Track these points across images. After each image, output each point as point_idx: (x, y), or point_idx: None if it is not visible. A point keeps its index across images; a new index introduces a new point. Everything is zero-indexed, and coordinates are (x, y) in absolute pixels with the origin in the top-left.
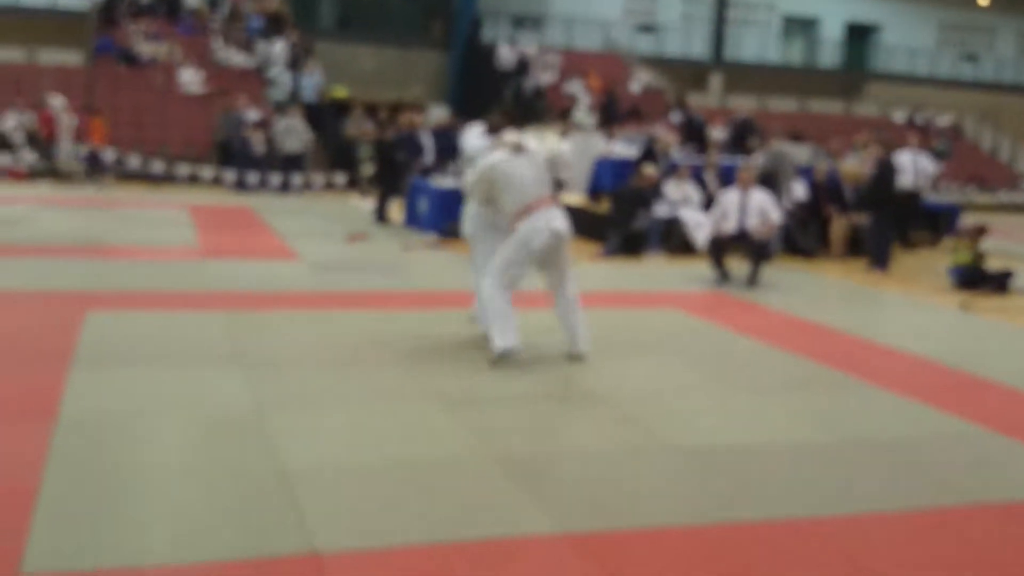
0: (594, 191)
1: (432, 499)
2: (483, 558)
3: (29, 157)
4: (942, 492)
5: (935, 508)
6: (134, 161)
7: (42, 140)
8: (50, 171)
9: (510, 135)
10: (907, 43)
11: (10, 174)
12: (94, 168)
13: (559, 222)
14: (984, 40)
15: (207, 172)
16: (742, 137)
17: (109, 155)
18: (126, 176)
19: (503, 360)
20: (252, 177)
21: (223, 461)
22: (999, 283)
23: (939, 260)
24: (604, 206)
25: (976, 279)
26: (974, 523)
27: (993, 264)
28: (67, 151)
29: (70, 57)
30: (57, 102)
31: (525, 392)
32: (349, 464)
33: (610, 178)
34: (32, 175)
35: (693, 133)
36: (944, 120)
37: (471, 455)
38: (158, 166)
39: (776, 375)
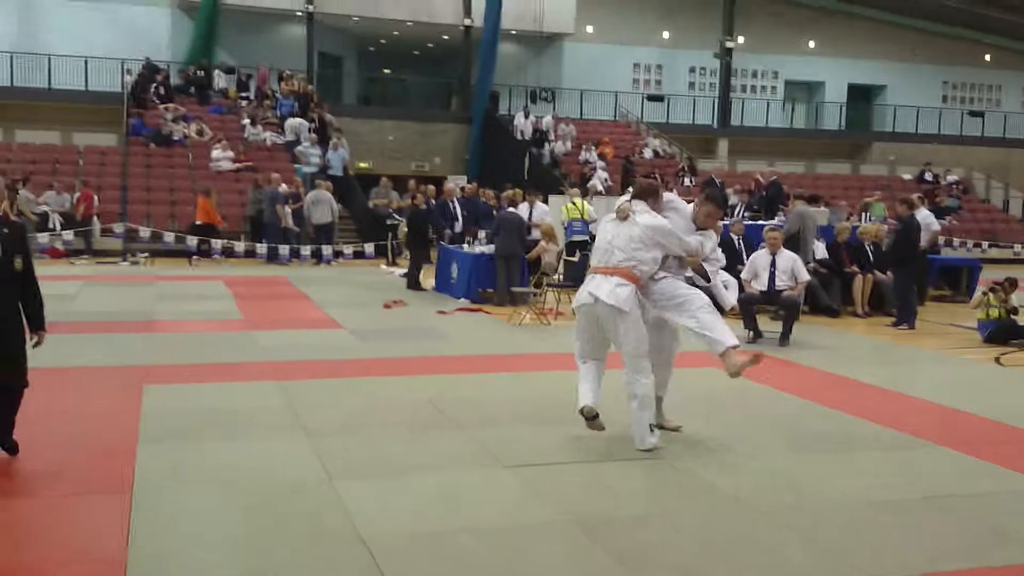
0: None
1: (513, 566)
2: None
3: (67, 236)
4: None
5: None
6: (168, 237)
7: (78, 219)
8: (88, 249)
9: (623, 201)
10: (911, 101)
11: (50, 253)
12: (131, 245)
13: (602, 290)
14: (989, 96)
15: (240, 246)
16: (772, 200)
17: (145, 232)
18: (160, 253)
19: (582, 416)
20: (284, 249)
21: (302, 530)
22: None
23: (962, 315)
24: None
25: (1008, 333)
26: None
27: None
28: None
29: (104, 139)
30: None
31: (589, 453)
32: (426, 530)
33: None
34: (69, 253)
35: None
36: (952, 176)
37: (547, 518)
38: (192, 241)
39: (830, 433)
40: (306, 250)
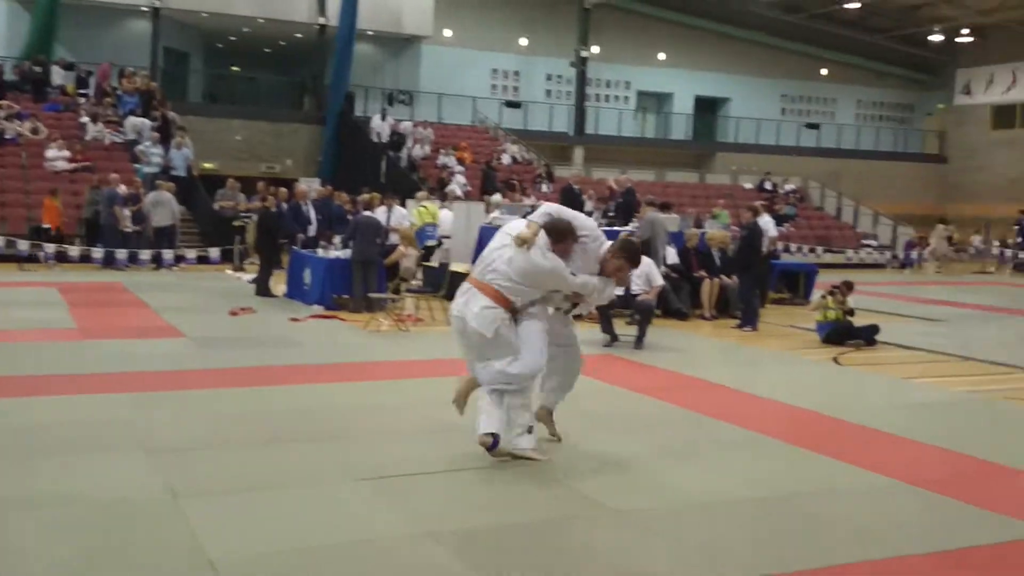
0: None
1: None
2: None
3: None
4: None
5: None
6: None
7: None
8: None
9: (529, 224)
10: (753, 114)
11: None
12: None
13: (470, 308)
14: (824, 108)
15: (75, 250)
16: (626, 207)
17: None
18: None
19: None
20: (122, 253)
21: (144, 554)
22: (868, 337)
23: (800, 317)
24: None
25: (844, 334)
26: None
27: (856, 319)
28: None
29: None
30: None
31: (446, 463)
32: (278, 548)
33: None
34: None
35: (574, 204)
36: (790, 185)
37: (404, 531)
38: (23, 245)
39: (684, 434)
40: (145, 254)
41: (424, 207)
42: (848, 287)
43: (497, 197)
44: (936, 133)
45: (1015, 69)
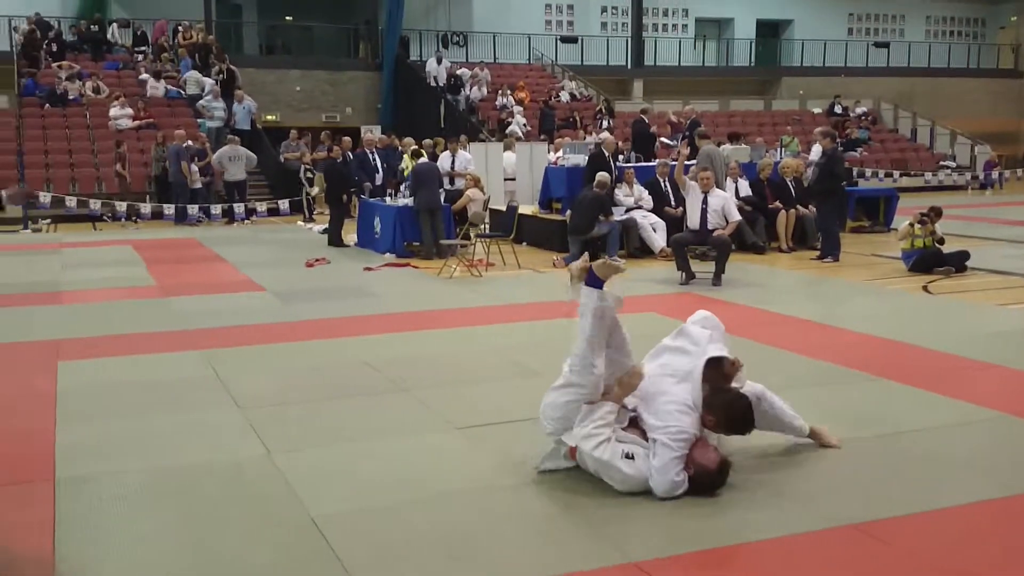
0: (546, 200)
1: (478, 534)
2: None
3: None
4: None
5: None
6: (70, 202)
7: None
8: None
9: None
10: (818, 35)
11: None
12: (31, 212)
13: None
14: (893, 26)
15: (146, 208)
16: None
17: (46, 198)
18: (63, 218)
19: None
20: (193, 209)
21: (244, 513)
22: (958, 264)
23: (883, 246)
24: (558, 214)
25: (932, 261)
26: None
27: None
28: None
29: None
30: None
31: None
32: (379, 504)
33: (562, 186)
34: None
35: (646, 140)
36: (861, 108)
37: (509, 480)
38: (95, 205)
39: (781, 372)
40: (217, 209)
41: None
42: (937, 213)
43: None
44: (1010, 47)
45: None
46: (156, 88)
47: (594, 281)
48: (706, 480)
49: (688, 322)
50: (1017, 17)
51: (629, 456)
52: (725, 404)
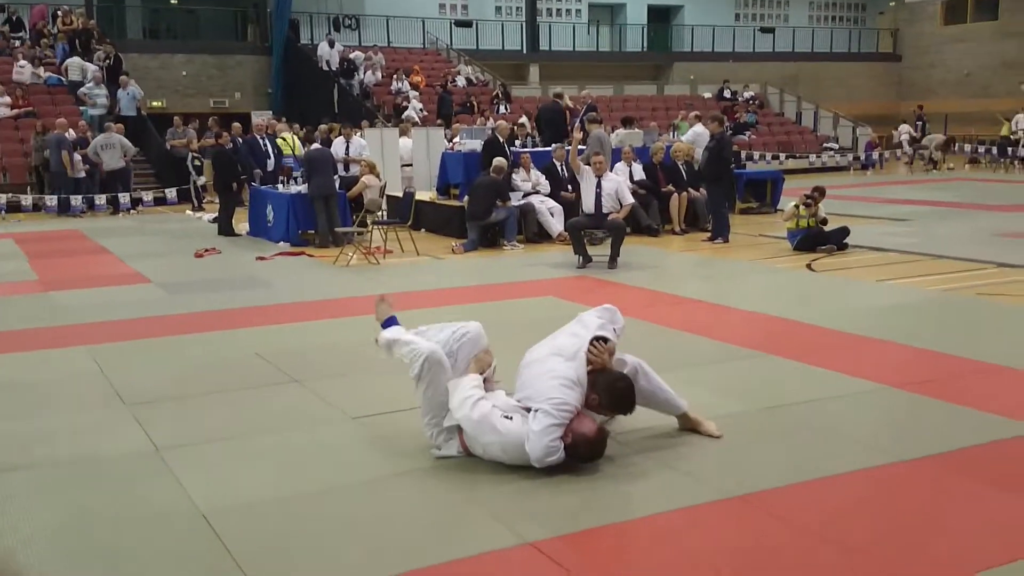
0: (443, 185)
1: (371, 522)
2: None
3: None
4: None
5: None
6: None
7: None
8: None
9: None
10: (707, 21)
11: None
12: None
13: None
14: (779, 12)
15: (27, 199)
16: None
17: None
18: None
19: None
20: (76, 200)
21: (134, 512)
22: (838, 241)
23: (770, 226)
24: (455, 200)
25: (815, 240)
26: (908, 480)
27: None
28: None
29: None
30: None
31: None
32: (271, 496)
33: (459, 171)
34: None
35: (558, 123)
36: (749, 92)
37: (402, 468)
38: None
39: (676, 351)
40: (101, 199)
41: (283, 139)
42: (821, 193)
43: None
44: (889, 31)
45: None
46: (33, 75)
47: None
48: (585, 449)
49: (588, 312)
50: (895, 2)
51: (508, 417)
52: (608, 383)
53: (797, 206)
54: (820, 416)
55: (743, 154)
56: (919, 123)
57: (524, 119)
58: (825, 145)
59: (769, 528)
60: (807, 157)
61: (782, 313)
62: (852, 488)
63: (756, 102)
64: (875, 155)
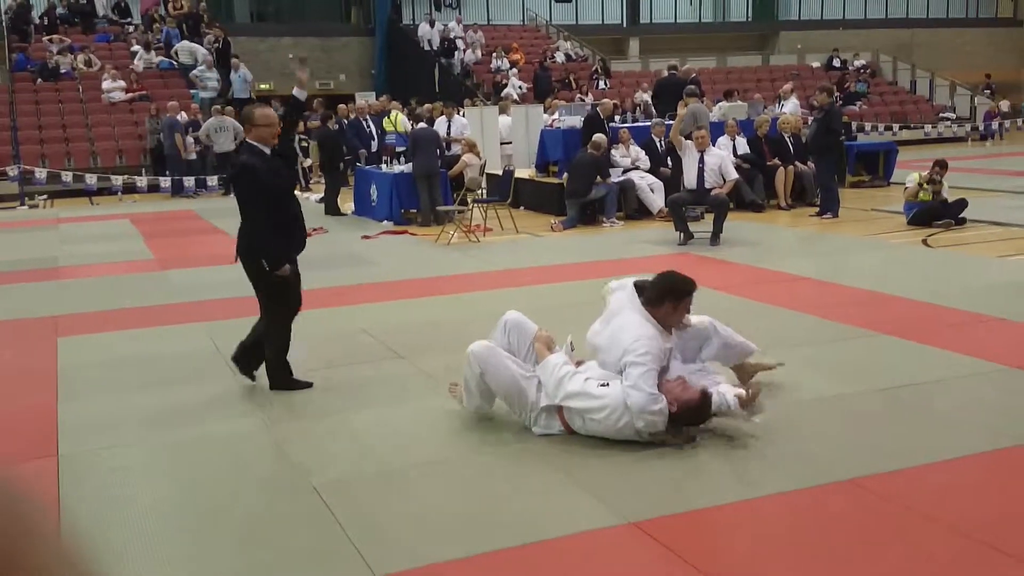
0: (542, 163)
1: (467, 504)
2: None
3: None
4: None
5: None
6: (66, 176)
7: None
8: None
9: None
10: None
11: None
12: (27, 188)
13: None
14: None
15: (142, 181)
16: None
17: (41, 174)
18: (60, 193)
19: None
20: (189, 181)
21: (247, 484)
22: (956, 215)
23: (883, 200)
24: (555, 178)
25: (932, 214)
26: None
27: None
28: None
29: None
30: None
31: None
32: (377, 471)
33: (558, 148)
34: None
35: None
36: (860, 61)
37: (508, 445)
38: (91, 179)
39: (781, 330)
40: (213, 181)
41: (388, 118)
42: (943, 166)
43: None
44: None
45: None
46: (149, 59)
47: None
48: (693, 414)
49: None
50: None
51: (604, 384)
52: (664, 280)
53: (920, 184)
54: (935, 398)
55: (854, 125)
56: None
57: (647, 95)
58: (941, 115)
59: (881, 510)
60: (922, 128)
61: (895, 291)
62: (968, 472)
63: (867, 71)
64: (995, 125)
